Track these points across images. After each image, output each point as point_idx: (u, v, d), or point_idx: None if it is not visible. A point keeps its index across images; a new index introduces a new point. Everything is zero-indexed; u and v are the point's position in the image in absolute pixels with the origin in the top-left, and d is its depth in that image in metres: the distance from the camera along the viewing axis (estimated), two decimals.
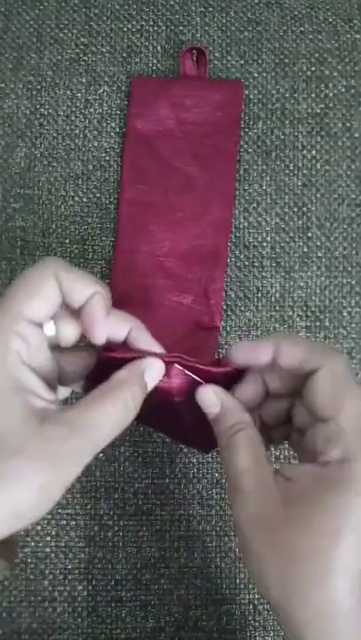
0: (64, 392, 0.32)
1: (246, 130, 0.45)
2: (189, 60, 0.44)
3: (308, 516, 0.24)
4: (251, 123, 0.45)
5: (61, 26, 0.46)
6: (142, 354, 0.29)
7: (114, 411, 0.26)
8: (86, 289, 0.27)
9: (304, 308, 0.43)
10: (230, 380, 0.31)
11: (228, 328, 0.43)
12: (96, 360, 0.30)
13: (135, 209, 0.43)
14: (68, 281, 0.27)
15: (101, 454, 0.41)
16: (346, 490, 0.24)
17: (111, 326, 0.29)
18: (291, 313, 0.43)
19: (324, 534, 0.24)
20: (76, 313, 0.28)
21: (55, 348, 0.29)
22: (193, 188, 0.43)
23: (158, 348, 0.30)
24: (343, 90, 0.45)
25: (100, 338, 0.28)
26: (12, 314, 0.25)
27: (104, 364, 0.29)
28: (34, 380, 0.26)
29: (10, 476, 0.23)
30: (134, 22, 0.46)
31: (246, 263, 0.44)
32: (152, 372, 0.28)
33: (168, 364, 0.29)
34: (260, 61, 0.45)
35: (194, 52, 0.44)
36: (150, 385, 0.28)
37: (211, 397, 0.29)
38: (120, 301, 0.41)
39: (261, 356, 0.28)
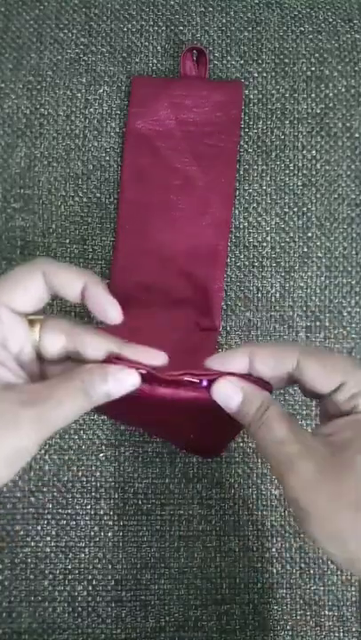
0: None
1: (246, 130, 0.45)
2: (189, 61, 0.44)
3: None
4: (251, 123, 0.45)
5: (61, 26, 0.46)
6: (144, 367, 0.28)
7: (74, 390, 0.26)
8: (77, 282, 0.28)
9: (304, 308, 0.43)
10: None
11: (228, 328, 0.43)
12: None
13: (135, 209, 0.43)
14: (58, 277, 0.28)
15: (102, 454, 0.41)
16: None
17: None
18: (291, 313, 0.43)
19: None
20: (64, 329, 0.29)
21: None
22: (193, 187, 0.43)
23: (157, 358, 0.29)
24: (343, 90, 0.45)
25: (115, 315, 0.29)
26: None
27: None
28: (2, 354, 0.27)
29: None
30: (134, 22, 0.46)
31: (246, 263, 0.44)
32: (120, 374, 0.27)
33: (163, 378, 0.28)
34: (260, 61, 0.45)
35: (194, 52, 0.44)
36: (117, 388, 0.27)
37: (230, 388, 0.28)
38: (120, 302, 0.41)
39: (236, 367, 0.28)
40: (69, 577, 0.40)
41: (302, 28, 0.46)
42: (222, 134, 0.43)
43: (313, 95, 0.45)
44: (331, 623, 0.40)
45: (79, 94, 0.45)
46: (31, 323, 0.29)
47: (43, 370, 0.29)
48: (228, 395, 0.28)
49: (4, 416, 0.25)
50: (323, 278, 0.44)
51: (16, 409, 0.25)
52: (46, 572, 0.40)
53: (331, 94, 0.45)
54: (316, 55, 0.46)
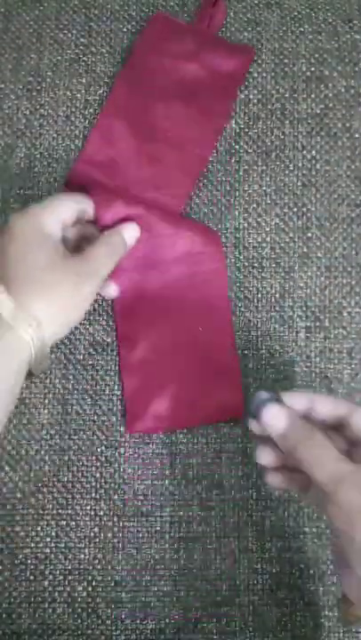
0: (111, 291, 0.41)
1: (246, 130, 0.45)
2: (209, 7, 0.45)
3: None
4: (251, 123, 0.45)
5: (61, 26, 0.46)
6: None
7: (106, 250, 0.38)
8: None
9: (304, 309, 0.43)
10: None
11: None
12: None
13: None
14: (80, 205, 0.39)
15: (102, 455, 0.41)
16: None
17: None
18: (291, 313, 0.43)
19: None
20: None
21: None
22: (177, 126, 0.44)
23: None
24: (343, 90, 0.45)
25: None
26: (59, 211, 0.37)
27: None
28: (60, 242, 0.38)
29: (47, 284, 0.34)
30: (134, 23, 0.46)
31: (246, 264, 0.43)
32: (129, 230, 0.39)
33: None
34: (260, 61, 0.45)
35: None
36: (129, 239, 0.40)
37: (277, 411, 0.33)
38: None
39: (299, 405, 0.33)
40: (69, 578, 0.40)
41: (302, 29, 0.46)
42: (217, 95, 0.44)
43: (313, 95, 0.45)
44: (331, 623, 0.40)
45: (79, 95, 0.45)
46: None
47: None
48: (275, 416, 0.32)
49: (71, 276, 0.35)
50: (323, 278, 0.43)
51: (77, 269, 0.36)
52: (46, 572, 0.40)
53: (331, 94, 0.45)
54: (316, 55, 0.45)
